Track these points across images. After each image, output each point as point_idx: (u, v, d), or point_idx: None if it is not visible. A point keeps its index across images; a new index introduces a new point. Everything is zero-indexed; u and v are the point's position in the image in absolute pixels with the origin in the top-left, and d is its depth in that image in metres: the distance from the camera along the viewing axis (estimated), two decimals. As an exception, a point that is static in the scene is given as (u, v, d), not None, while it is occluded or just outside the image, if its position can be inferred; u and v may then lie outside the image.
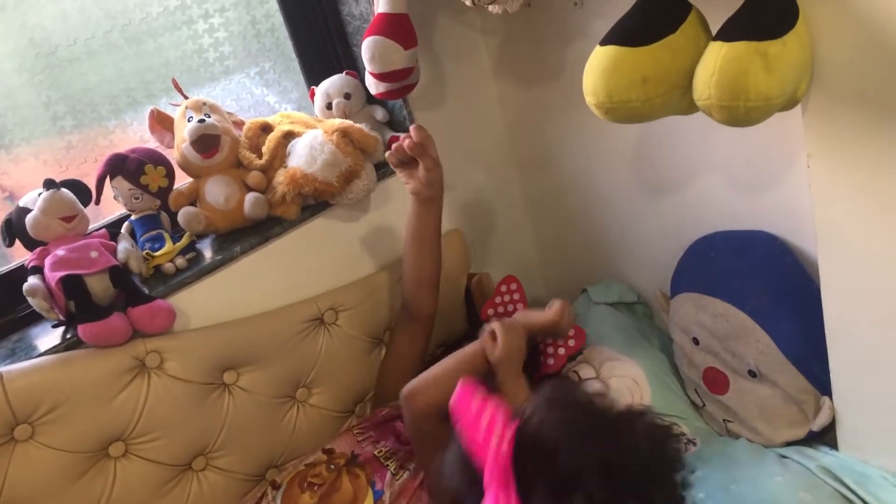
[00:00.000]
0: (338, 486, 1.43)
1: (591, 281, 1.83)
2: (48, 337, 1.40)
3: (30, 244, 1.43)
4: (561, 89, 1.69)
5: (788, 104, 1.05)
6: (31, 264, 1.39)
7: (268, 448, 1.56)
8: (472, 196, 1.87)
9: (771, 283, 1.39)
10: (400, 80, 1.55)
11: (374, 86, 1.58)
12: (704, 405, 1.55)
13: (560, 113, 1.74)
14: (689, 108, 1.06)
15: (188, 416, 1.45)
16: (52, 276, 1.34)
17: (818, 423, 1.36)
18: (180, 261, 1.50)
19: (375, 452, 1.47)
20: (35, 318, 1.46)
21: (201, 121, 1.53)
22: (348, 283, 1.67)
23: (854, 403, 1.30)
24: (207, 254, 1.55)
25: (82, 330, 1.34)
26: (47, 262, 1.36)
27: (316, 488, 1.43)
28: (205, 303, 1.49)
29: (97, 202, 1.51)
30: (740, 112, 0.96)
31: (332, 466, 1.46)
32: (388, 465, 1.44)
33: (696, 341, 1.53)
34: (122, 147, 1.55)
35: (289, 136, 1.59)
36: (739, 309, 1.42)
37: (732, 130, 1.34)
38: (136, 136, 1.67)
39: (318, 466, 1.48)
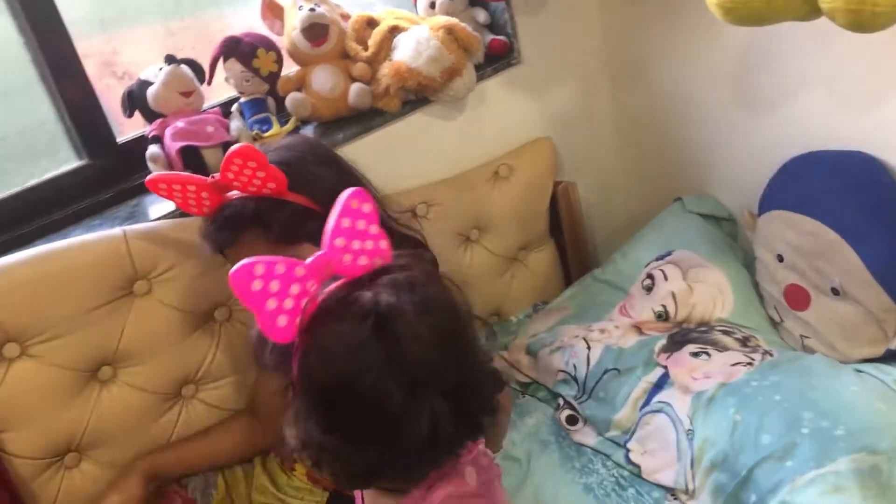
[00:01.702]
0: None
1: (675, 195, 1.86)
2: (162, 204, 1.48)
3: (149, 116, 1.51)
4: (666, 2, 1.70)
5: (914, 13, 1.05)
6: (152, 134, 1.47)
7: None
8: (561, 104, 1.90)
9: (864, 202, 1.41)
10: (508, -20, 1.57)
11: (481, -15, 1.60)
12: (782, 321, 1.58)
13: (662, 25, 1.75)
14: (811, 12, 1.07)
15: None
16: (173, 146, 1.42)
17: (898, 341, 1.39)
18: (286, 143, 1.57)
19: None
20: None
21: (312, 9, 1.58)
22: (441, 180, 1.73)
23: (938, 323, 1.33)
24: (309, 141, 1.61)
25: (198, 198, 1.43)
26: (167, 132, 1.44)
27: None
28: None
29: (209, 82, 1.58)
30: (866, 16, 0.97)
31: None
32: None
33: (780, 258, 1.56)
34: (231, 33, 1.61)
35: (394, 30, 1.63)
36: (829, 227, 1.45)
37: (840, 47, 1.36)
38: (244, 23, 1.72)
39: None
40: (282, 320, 0.77)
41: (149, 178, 1.23)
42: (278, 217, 1.16)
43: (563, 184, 1.84)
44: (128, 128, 1.60)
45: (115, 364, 1.40)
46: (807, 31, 1.40)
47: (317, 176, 1.23)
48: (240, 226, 1.18)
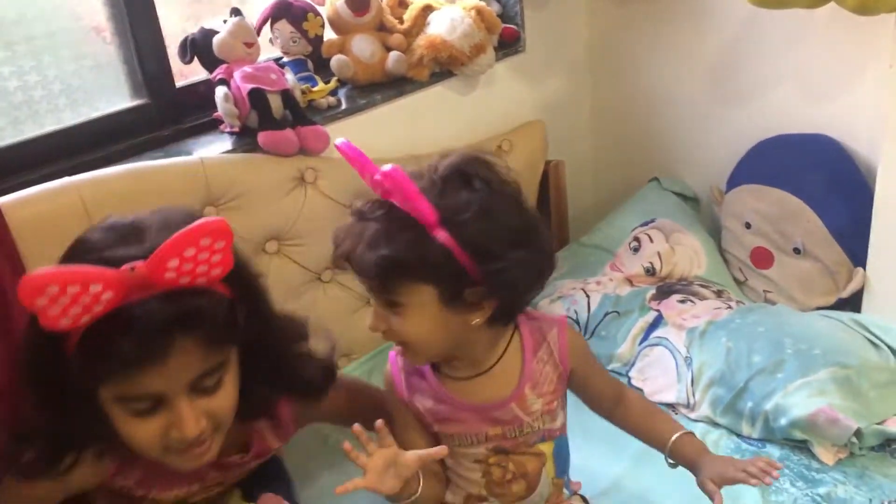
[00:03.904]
0: None
1: (644, 178, 2.13)
2: (220, 143, 1.61)
3: (210, 62, 1.63)
4: (654, 7, 1.98)
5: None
6: (219, 77, 1.59)
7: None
8: (552, 92, 2.15)
9: (826, 174, 1.72)
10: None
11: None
12: (746, 280, 1.87)
13: (644, 26, 2.04)
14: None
15: (328, 231, 1.64)
16: (244, 87, 1.55)
17: (849, 290, 1.70)
18: (332, 99, 1.73)
19: None
20: (200, 131, 1.66)
21: (356, -17, 1.76)
22: (454, 148, 1.92)
23: (885, 272, 1.63)
24: (344, 101, 1.78)
25: (263, 136, 1.56)
26: (237, 75, 1.57)
27: None
28: (348, 137, 1.66)
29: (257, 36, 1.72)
30: (871, 1, 1.25)
31: None
32: None
33: (747, 225, 1.84)
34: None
35: (427, 9, 1.84)
36: (795, 195, 1.75)
37: (808, 43, 1.68)
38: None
39: None
40: None
41: (33, 276, 0.80)
42: (214, 314, 0.91)
43: (554, 162, 2.07)
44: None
45: (179, 284, 1.50)
46: (779, 28, 1.72)
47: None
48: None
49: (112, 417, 0.92)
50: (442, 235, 0.97)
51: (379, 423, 1.01)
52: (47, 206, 1.32)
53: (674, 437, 1.16)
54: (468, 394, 1.12)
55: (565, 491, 1.24)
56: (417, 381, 1.14)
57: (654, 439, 1.21)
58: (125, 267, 0.85)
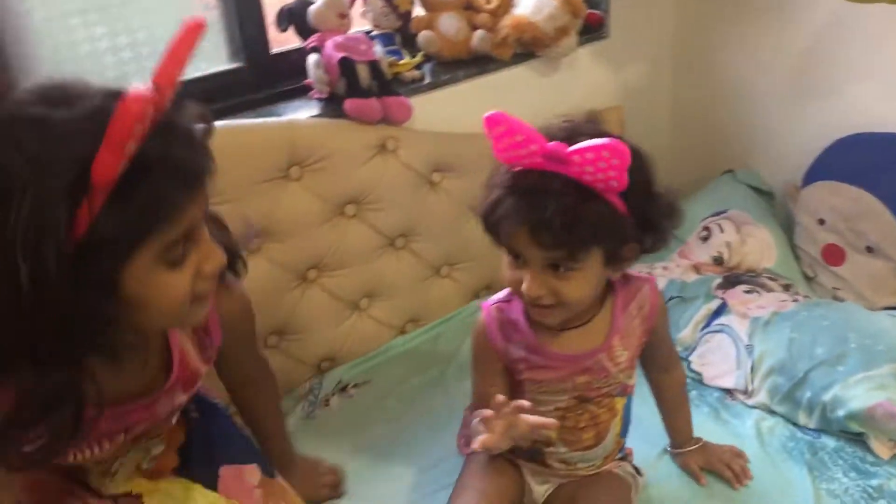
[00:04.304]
0: None
1: (718, 170, 2.13)
2: (308, 109, 1.69)
3: (304, 31, 1.71)
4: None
5: None
6: (312, 45, 1.67)
7: (452, 247, 1.85)
8: (632, 79, 2.17)
9: (905, 174, 1.71)
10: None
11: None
12: (816, 276, 1.86)
13: (729, 21, 2.05)
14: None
15: (404, 199, 1.74)
16: (334, 55, 1.63)
17: (922, 291, 1.68)
18: (416, 73, 1.79)
19: None
20: (291, 96, 1.74)
21: (447, -38, 1.81)
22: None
23: (959, 274, 1.62)
24: (428, 76, 1.84)
25: (349, 103, 1.63)
26: (328, 44, 1.65)
27: None
28: (429, 111, 1.78)
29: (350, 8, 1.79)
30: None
31: None
32: None
33: (821, 222, 1.84)
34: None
35: (515, -11, 1.89)
36: (871, 194, 1.74)
37: (893, 41, 1.65)
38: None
39: None
40: None
41: None
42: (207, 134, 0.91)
43: (629, 149, 2.10)
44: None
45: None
46: (865, 25, 1.72)
47: None
48: None
49: (143, 287, 0.81)
50: (618, 201, 1.00)
51: (524, 403, 1.05)
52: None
53: (692, 447, 1.39)
54: (561, 344, 1.17)
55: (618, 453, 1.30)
56: (511, 331, 1.19)
57: (670, 420, 1.39)
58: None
